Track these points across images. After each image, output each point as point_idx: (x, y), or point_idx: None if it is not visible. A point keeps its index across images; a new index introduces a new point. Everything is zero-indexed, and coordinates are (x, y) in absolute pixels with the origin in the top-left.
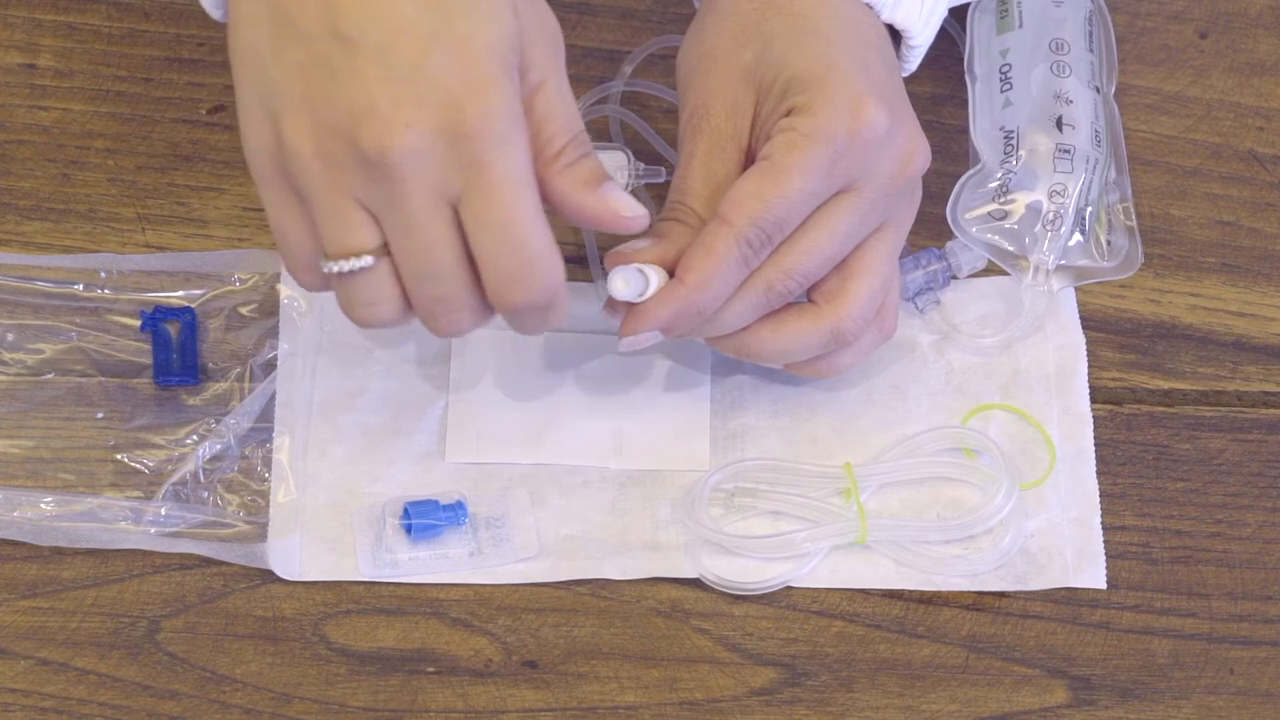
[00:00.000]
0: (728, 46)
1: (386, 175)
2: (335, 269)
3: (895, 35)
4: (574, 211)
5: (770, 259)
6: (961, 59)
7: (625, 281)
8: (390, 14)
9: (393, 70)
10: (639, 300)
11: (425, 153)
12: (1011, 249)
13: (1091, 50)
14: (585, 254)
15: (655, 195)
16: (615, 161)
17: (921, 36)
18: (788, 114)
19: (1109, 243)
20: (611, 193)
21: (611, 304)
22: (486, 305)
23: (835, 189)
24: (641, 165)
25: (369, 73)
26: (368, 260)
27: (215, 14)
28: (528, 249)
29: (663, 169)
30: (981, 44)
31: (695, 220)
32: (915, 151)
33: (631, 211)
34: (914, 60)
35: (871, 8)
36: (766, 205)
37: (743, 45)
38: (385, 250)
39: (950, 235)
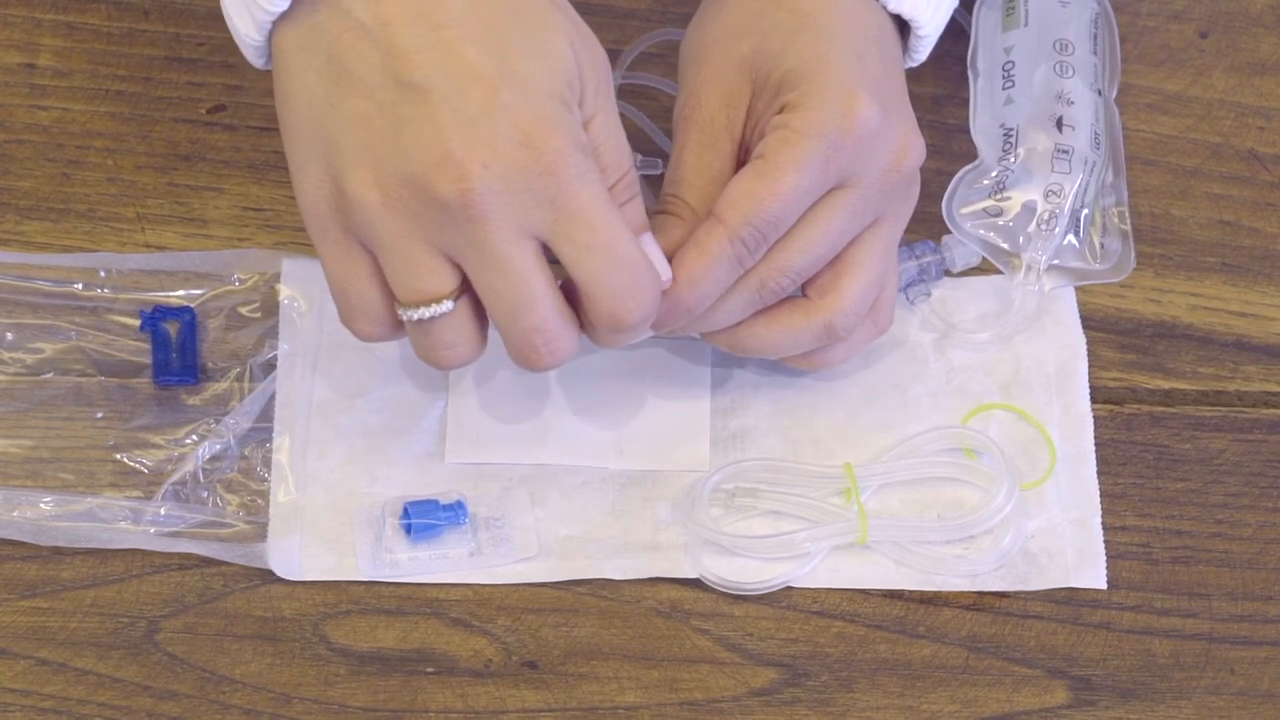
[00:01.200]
0: (725, 38)
1: (469, 217)
2: (415, 316)
3: (904, 27)
4: None
5: (764, 256)
6: (964, 59)
7: None
8: (456, 60)
9: (463, 115)
10: None
11: (504, 192)
12: (1005, 246)
13: (1095, 52)
14: None
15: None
16: None
17: (930, 26)
18: (781, 110)
19: (1102, 245)
20: (649, 246)
21: None
22: (579, 332)
23: (829, 185)
24: (639, 157)
25: (439, 119)
26: (448, 305)
27: (258, 62)
28: (633, 265)
29: (659, 161)
30: (986, 40)
31: (689, 213)
32: (909, 146)
33: (665, 274)
34: (923, 50)
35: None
36: (761, 204)
37: (740, 37)
38: (462, 292)
39: (946, 231)
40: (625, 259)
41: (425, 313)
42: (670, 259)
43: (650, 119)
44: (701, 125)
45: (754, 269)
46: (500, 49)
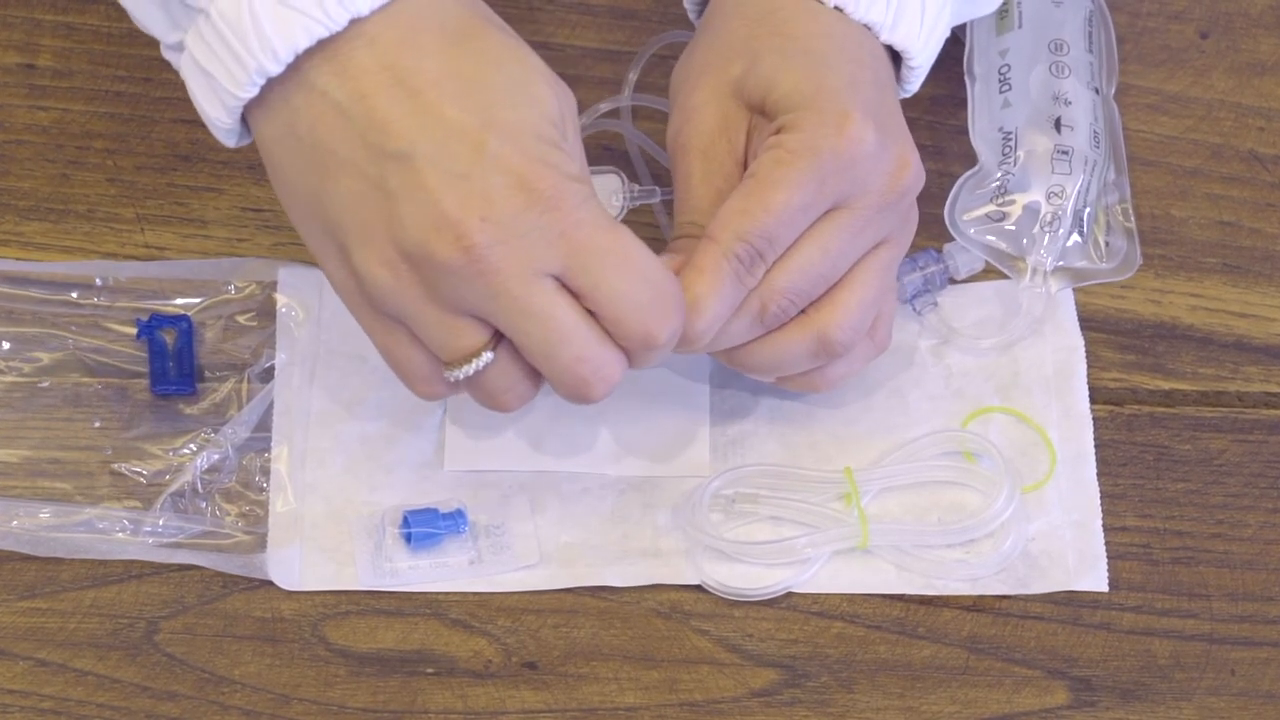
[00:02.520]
0: (717, 62)
1: (478, 273)
2: (460, 376)
3: (896, 57)
4: None
5: (764, 279)
6: (960, 59)
7: None
8: (436, 121)
9: (451, 173)
10: None
11: (509, 239)
12: (1009, 250)
13: (1091, 51)
14: None
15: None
16: (610, 185)
17: (921, 57)
18: (777, 133)
19: (1107, 244)
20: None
21: None
22: (624, 354)
23: (826, 206)
24: (636, 187)
25: (429, 183)
26: (488, 357)
27: (229, 142)
28: (656, 278)
29: (657, 189)
30: (981, 44)
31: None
32: (906, 166)
33: None
34: (915, 82)
35: (870, 28)
36: (752, 220)
37: (730, 61)
38: (500, 340)
39: (948, 237)
40: (647, 274)
41: (468, 370)
42: None
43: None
44: (704, 151)
45: (754, 291)
46: (482, 101)
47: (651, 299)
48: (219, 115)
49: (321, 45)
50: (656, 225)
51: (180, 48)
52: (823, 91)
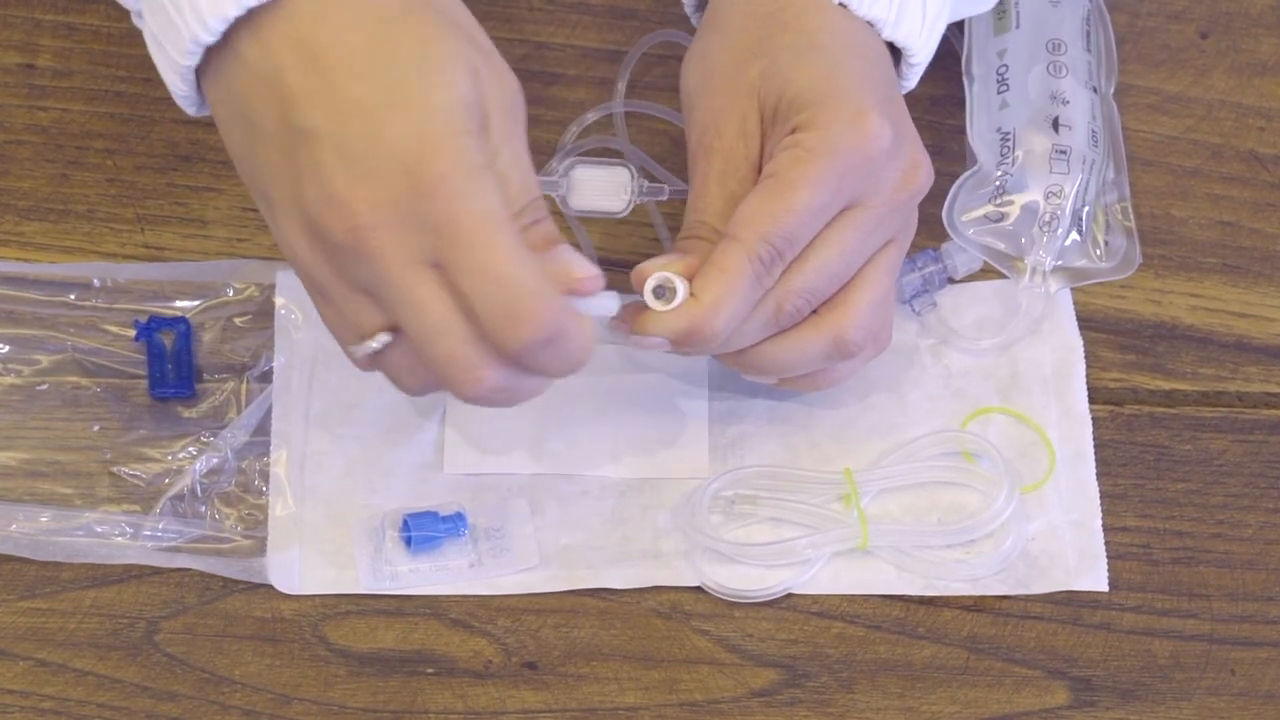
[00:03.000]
0: (733, 63)
1: (363, 254)
2: (359, 354)
3: (895, 53)
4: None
5: (779, 278)
6: (959, 59)
7: (660, 288)
8: (341, 99)
9: (345, 152)
10: (663, 310)
11: (393, 225)
12: (1008, 251)
13: (1089, 50)
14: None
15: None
16: (619, 178)
17: (921, 54)
18: (793, 131)
19: (1107, 243)
20: (563, 254)
21: (623, 317)
22: (500, 358)
23: (841, 205)
24: (645, 183)
25: (325, 161)
26: (385, 338)
27: (190, 110)
28: (514, 285)
29: (665, 187)
30: (979, 45)
31: (717, 239)
32: (919, 165)
33: (584, 272)
34: (913, 78)
35: (872, 25)
36: (775, 220)
37: (747, 62)
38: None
39: (947, 237)
40: (505, 279)
41: (364, 349)
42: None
43: (648, 136)
44: (724, 154)
45: (770, 291)
46: (390, 82)
47: (508, 307)
48: (174, 82)
49: (251, 16)
50: (651, 225)
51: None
52: (838, 88)
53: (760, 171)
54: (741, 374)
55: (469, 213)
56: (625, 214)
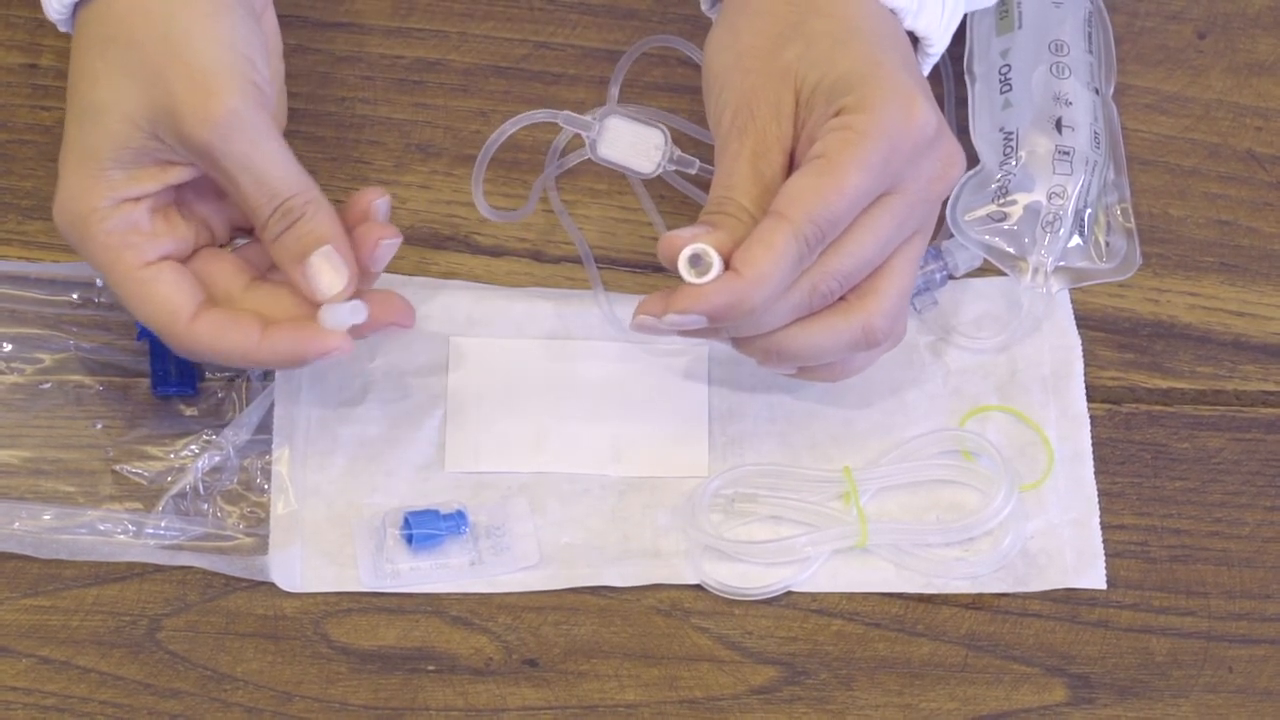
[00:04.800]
0: (767, 46)
1: None
2: None
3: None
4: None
5: (816, 259)
6: (961, 58)
7: (696, 259)
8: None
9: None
10: (699, 282)
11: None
12: (1011, 250)
13: (1091, 51)
14: (583, 260)
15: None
16: (653, 139)
17: (939, 44)
18: (838, 113)
19: (1107, 244)
20: (310, 268)
21: (651, 302)
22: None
23: (882, 189)
24: (677, 151)
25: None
26: None
27: (62, 29)
28: (151, 319)
29: (696, 160)
30: (981, 44)
31: (745, 216)
32: (955, 155)
33: (330, 289)
34: (926, 68)
35: (895, 14)
36: (825, 202)
37: (783, 45)
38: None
39: (947, 238)
40: (143, 314)
41: None
42: (728, 259)
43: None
44: (757, 135)
45: (806, 271)
46: (75, 99)
47: (160, 330)
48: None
49: None
50: (651, 226)
51: None
52: (885, 73)
53: (791, 154)
54: (759, 362)
55: (94, 259)
56: (651, 176)
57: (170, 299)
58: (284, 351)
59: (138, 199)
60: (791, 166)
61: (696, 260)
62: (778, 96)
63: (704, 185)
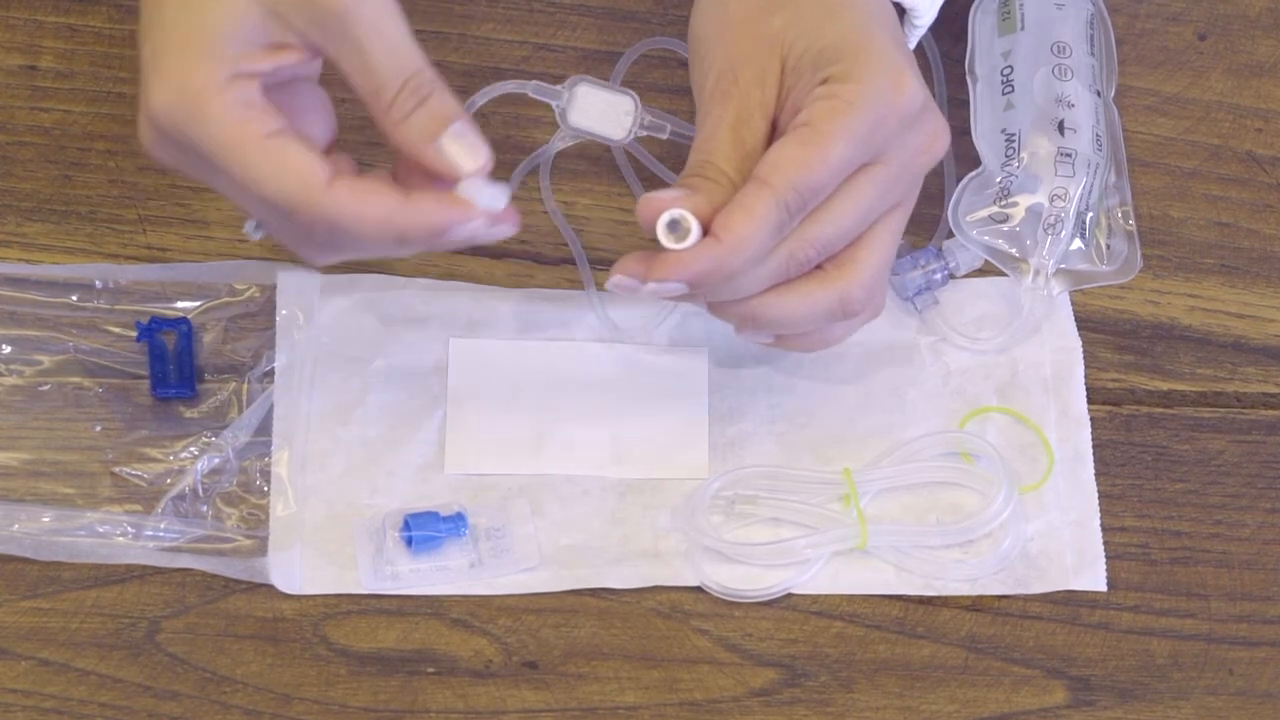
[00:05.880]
0: (754, 13)
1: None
2: (247, 232)
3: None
4: (421, 167)
5: (796, 227)
6: (962, 59)
7: (674, 224)
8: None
9: (150, 67)
10: (678, 248)
11: (164, 143)
12: (1012, 252)
13: (1093, 54)
14: (577, 262)
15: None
16: (623, 105)
17: (926, 17)
18: (824, 82)
19: (1108, 247)
20: (448, 145)
21: (631, 262)
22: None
23: (865, 159)
24: (648, 117)
25: (143, 72)
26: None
27: None
28: (277, 201)
29: (667, 124)
30: (983, 45)
31: (724, 180)
32: (940, 131)
33: (472, 163)
34: (913, 40)
35: None
36: (809, 170)
37: (771, 13)
38: None
39: (948, 238)
40: (266, 197)
41: (248, 228)
42: (706, 223)
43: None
44: (740, 100)
45: (784, 239)
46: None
47: (285, 213)
48: None
49: None
50: (623, 179)
51: None
52: (874, 44)
53: (773, 122)
54: (737, 330)
55: (212, 139)
56: (624, 142)
57: (306, 163)
58: (427, 221)
59: (252, 76)
60: (773, 135)
61: (675, 226)
62: (763, 63)
63: (680, 156)
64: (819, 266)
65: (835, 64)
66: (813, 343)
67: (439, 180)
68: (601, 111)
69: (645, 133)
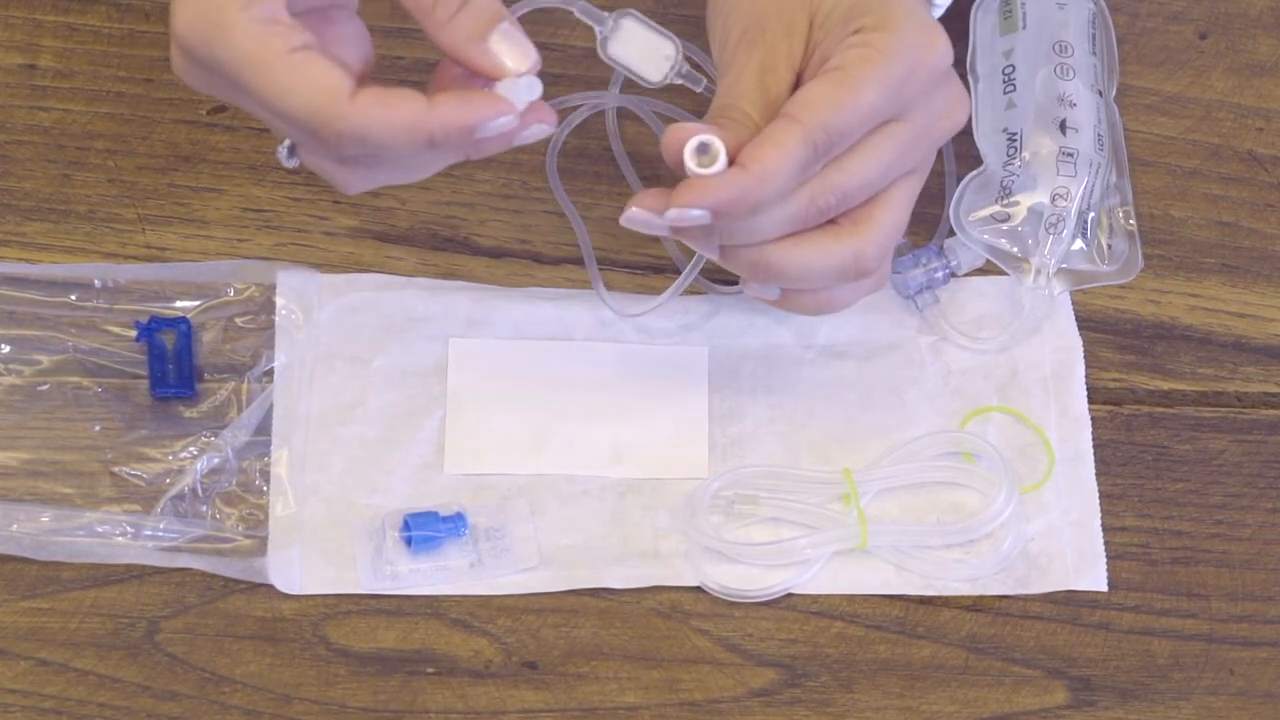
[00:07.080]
0: None
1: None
2: (281, 158)
3: None
4: (468, 70)
5: (818, 172)
6: (963, 60)
7: (703, 147)
8: None
9: None
10: (705, 173)
11: (192, 67)
12: (1014, 251)
13: (1094, 53)
14: (584, 258)
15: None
16: (665, 48)
17: None
18: (856, 32)
19: (1109, 246)
20: (496, 45)
21: (649, 198)
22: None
23: (892, 112)
24: (686, 65)
25: None
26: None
27: None
28: (299, 117)
29: (703, 79)
30: (984, 43)
31: (750, 122)
32: (963, 98)
33: (520, 63)
34: (935, 16)
35: None
36: (839, 111)
37: None
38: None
39: (949, 237)
40: (288, 112)
41: (281, 153)
42: (733, 158)
43: (644, 147)
44: (767, 50)
45: (806, 183)
46: None
47: (309, 129)
48: None
49: None
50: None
51: None
52: (905, 1)
53: (798, 75)
54: (745, 278)
55: (235, 55)
56: (657, 85)
57: (329, 75)
58: (456, 118)
59: None
60: (798, 88)
61: (704, 148)
62: (791, 16)
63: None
64: (834, 221)
65: (868, 15)
66: (819, 303)
67: (475, 82)
68: (641, 50)
69: (680, 80)
